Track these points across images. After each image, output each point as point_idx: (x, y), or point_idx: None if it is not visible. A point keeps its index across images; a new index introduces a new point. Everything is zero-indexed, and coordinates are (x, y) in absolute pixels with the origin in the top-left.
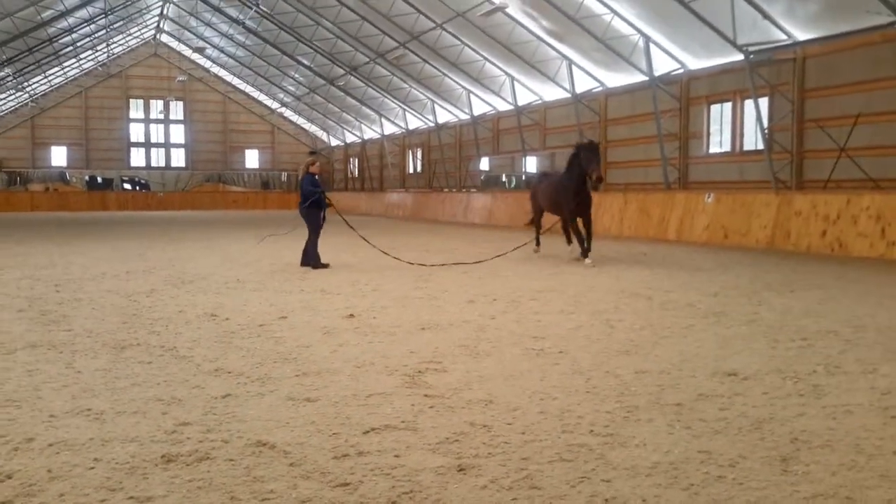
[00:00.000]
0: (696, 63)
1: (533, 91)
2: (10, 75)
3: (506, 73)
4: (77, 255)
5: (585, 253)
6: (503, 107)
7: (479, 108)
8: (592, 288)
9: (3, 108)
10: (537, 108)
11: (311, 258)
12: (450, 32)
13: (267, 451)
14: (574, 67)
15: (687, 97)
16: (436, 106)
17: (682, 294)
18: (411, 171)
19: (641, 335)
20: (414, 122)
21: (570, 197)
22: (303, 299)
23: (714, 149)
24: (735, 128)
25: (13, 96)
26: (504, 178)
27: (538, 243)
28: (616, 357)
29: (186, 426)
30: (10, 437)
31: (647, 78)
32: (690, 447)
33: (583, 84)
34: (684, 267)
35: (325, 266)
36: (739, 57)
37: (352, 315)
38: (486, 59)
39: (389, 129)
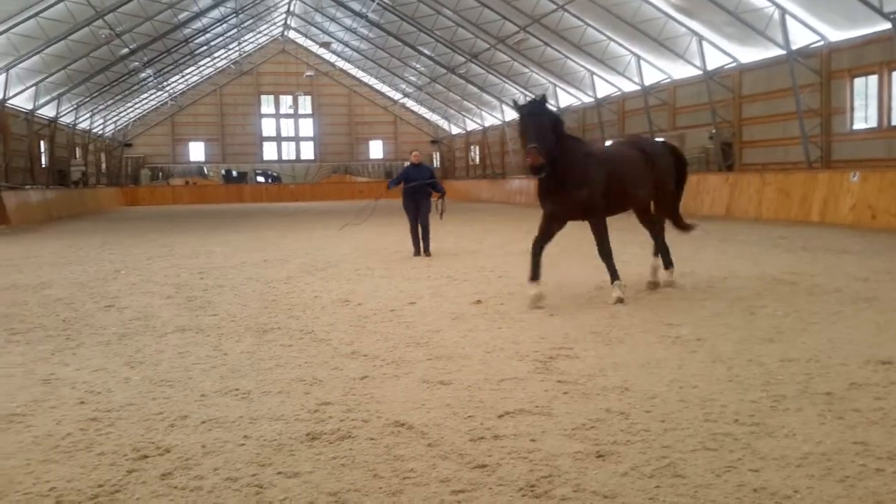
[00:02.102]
0: (837, 34)
1: (661, 70)
2: (151, 76)
3: (631, 53)
4: (217, 244)
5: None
6: (629, 87)
7: (603, 90)
8: (730, 273)
9: (146, 107)
10: (665, 87)
11: (420, 245)
12: (572, 13)
13: (405, 432)
14: (705, 43)
15: (828, 71)
16: (558, 90)
17: (828, 279)
18: None
19: (786, 322)
20: None
21: (541, 194)
22: (431, 286)
23: (859, 125)
24: (882, 102)
25: (154, 96)
26: None
27: None
28: (759, 345)
29: (328, 406)
30: (166, 414)
31: (783, 52)
32: (844, 438)
33: (714, 60)
34: (830, 250)
35: (423, 255)
36: (886, 26)
37: (479, 301)
38: (610, 38)
39: (511, 115)
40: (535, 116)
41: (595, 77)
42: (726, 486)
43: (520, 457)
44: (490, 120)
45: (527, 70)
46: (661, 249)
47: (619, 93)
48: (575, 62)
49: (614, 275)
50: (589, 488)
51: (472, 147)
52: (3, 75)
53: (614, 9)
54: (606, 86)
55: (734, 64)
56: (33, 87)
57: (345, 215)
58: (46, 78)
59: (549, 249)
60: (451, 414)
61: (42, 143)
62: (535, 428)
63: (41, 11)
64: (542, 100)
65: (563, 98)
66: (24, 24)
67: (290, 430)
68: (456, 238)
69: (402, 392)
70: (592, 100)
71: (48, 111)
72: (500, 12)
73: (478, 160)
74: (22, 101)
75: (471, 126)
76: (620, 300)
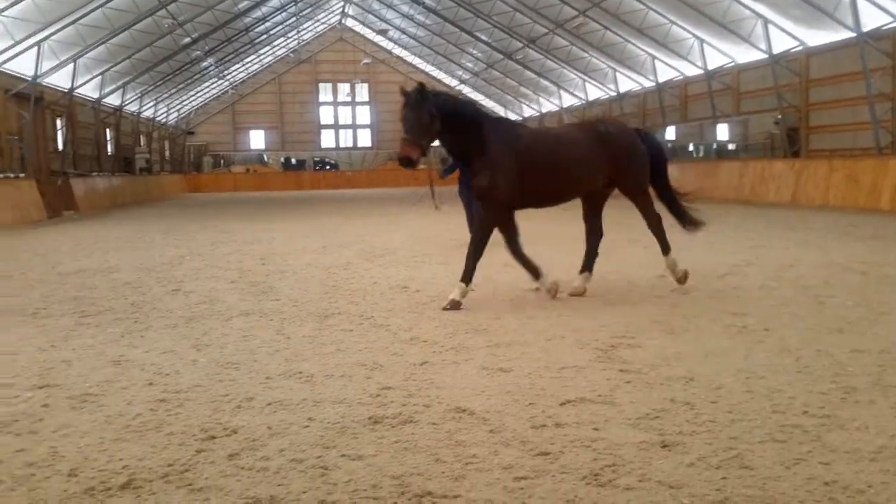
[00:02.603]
0: None
1: (724, 53)
2: (212, 65)
3: (694, 36)
4: (277, 231)
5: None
6: (691, 72)
7: (665, 75)
8: (796, 261)
9: (207, 95)
10: (729, 71)
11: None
12: None
13: (466, 418)
14: (770, 26)
15: None
16: (617, 74)
17: None
18: None
19: (856, 312)
20: (594, 93)
21: (459, 187)
22: (486, 274)
23: None
24: None
25: (215, 85)
26: (692, 148)
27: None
28: (828, 335)
29: (389, 390)
30: (233, 396)
31: (853, 34)
32: None
33: (780, 44)
34: None
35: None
36: None
37: (538, 289)
38: (672, 22)
39: (568, 100)
40: (413, 108)
41: (656, 61)
42: (795, 479)
43: (583, 445)
44: (548, 106)
45: (585, 55)
46: (657, 236)
47: (681, 77)
48: (636, 46)
49: (466, 276)
50: (654, 478)
51: None
52: (71, 65)
53: None
54: (668, 70)
55: (801, 47)
56: (99, 77)
57: (401, 202)
58: (112, 67)
59: (609, 236)
60: (511, 401)
61: (108, 131)
62: (598, 417)
63: (107, 2)
64: (421, 89)
65: (624, 83)
66: (90, 14)
67: (353, 413)
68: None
69: (463, 378)
70: (653, 84)
71: (113, 100)
72: None
73: None
74: (89, 91)
75: (527, 112)
76: (455, 305)
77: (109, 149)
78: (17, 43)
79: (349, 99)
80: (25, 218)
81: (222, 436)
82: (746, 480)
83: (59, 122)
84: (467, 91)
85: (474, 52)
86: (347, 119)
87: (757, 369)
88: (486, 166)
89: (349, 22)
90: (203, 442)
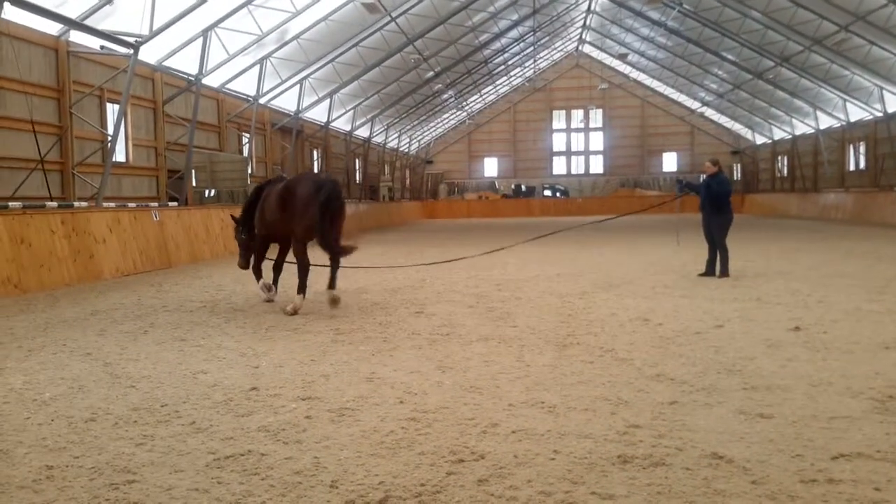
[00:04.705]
0: None
1: None
2: (452, 96)
3: None
4: (510, 256)
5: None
6: None
7: None
8: None
9: (446, 126)
10: None
11: (715, 265)
12: None
13: (724, 465)
14: None
15: None
16: (884, 93)
17: None
18: (852, 168)
19: None
20: (856, 114)
21: None
22: (738, 308)
23: None
24: None
25: (454, 115)
26: None
27: None
28: None
29: (637, 429)
30: (478, 420)
31: None
32: None
33: None
34: None
35: (717, 276)
36: None
37: (798, 328)
38: None
39: (825, 122)
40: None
41: None
42: None
43: None
44: (801, 128)
45: (847, 72)
46: (332, 270)
47: None
48: None
49: (263, 287)
50: None
51: (778, 157)
52: (328, 100)
53: None
54: None
55: None
56: (352, 111)
57: (637, 230)
58: (363, 102)
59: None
60: (775, 450)
61: (357, 161)
62: (879, 475)
63: (362, 41)
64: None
65: (892, 102)
66: (346, 53)
67: (600, 449)
68: (763, 257)
69: (717, 422)
70: None
71: (363, 132)
72: (818, 11)
73: (786, 172)
74: (341, 123)
75: (778, 135)
76: (269, 298)
77: (358, 177)
78: (283, 81)
79: (582, 125)
80: None
81: (470, 460)
82: None
83: (315, 153)
84: (710, 114)
85: (720, 72)
86: (580, 145)
87: None
88: None
89: (586, 48)
90: (453, 464)
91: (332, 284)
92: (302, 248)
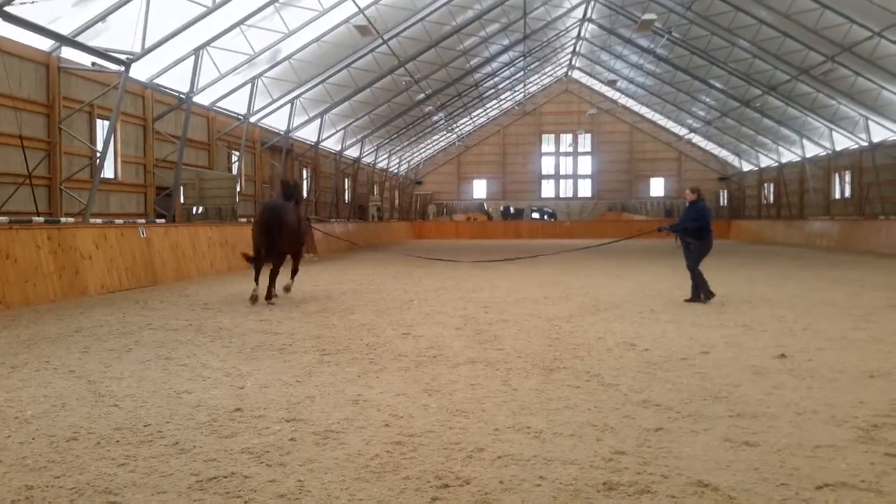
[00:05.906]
0: None
1: None
2: (442, 118)
3: None
4: (498, 279)
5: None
6: None
7: None
8: None
9: (436, 147)
10: None
11: (696, 289)
12: (890, 40)
13: (710, 493)
14: None
15: None
16: (870, 123)
17: None
18: (837, 196)
19: None
20: (842, 142)
21: None
22: (724, 334)
23: None
24: None
25: (444, 137)
26: None
27: None
28: None
29: (622, 455)
30: (463, 444)
31: None
32: None
33: None
34: None
35: (706, 298)
36: None
37: (783, 355)
38: None
39: (811, 150)
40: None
41: None
42: None
43: None
44: (788, 156)
45: (833, 102)
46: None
47: None
48: (892, 92)
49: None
50: None
51: (765, 185)
52: (318, 120)
53: None
54: None
55: None
56: (342, 131)
57: (621, 254)
58: (353, 122)
59: (863, 298)
60: (760, 479)
61: (346, 180)
62: None
63: (353, 62)
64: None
65: (877, 132)
66: (337, 74)
67: (586, 476)
68: (749, 283)
69: (703, 449)
70: None
71: (352, 152)
72: (805, 42)
73: (772, 199)
74: (331, 143)
75: (765, 162)
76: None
77: (346, 197)
78: (274, 100)
79: (571, 149)
80: None
81: (455, 485)
82: None
83: (304, 172)
84: (697, 141)
85: (707, 99)
86: (568, 169)
87: None
88: None
89: (575, 74)
90: (438, 490)
91: (287, 286)
92: (253, 255)
